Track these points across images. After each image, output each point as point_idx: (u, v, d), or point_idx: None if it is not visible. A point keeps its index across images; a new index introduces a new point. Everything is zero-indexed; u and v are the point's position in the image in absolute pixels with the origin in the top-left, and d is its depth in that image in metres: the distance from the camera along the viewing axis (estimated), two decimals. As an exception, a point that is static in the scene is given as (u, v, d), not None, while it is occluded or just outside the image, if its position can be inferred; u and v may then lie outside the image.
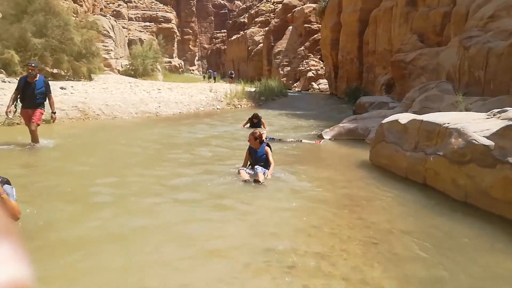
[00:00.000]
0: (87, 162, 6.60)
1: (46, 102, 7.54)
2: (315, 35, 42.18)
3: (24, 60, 16.91)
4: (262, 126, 10.95)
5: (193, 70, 70.92)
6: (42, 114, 7.47)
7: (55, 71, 19.91)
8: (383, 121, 6.94)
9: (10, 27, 17.72)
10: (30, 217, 3.90)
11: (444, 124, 5.33)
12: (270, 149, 6.09)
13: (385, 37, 19.04)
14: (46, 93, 7.42)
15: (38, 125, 7.26)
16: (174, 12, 60.37)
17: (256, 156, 5.97)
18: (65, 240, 3.55)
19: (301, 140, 9.15)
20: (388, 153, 6.39)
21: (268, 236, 3.80)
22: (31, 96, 7.25)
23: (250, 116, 11.36)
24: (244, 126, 11.14)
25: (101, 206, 4.46)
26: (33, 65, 7.45)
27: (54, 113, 7.79)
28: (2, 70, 16.21)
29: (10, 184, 3.57)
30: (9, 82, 14.75)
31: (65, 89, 14.77)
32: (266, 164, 5.90)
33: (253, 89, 24.76)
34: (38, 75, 7.41)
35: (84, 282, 2.89)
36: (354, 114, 13.14)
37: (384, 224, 4.19)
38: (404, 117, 6.46)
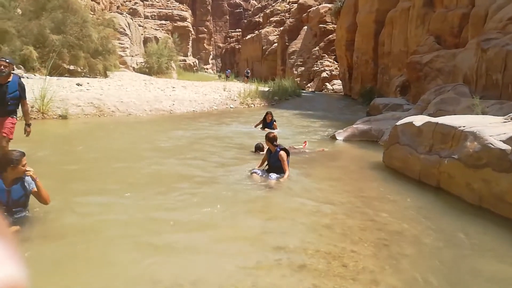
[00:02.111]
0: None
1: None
2: (330, 36, 41.97)
3: (42, 56, 17.23)
4: (273, 127, 10.62)
5: (207, 69, 71.23)
6: (14, 124, 5.73)
7: (71, 67, 20.20)
8: (397, 123, 6.89)
9: (29, 24, 18.04)
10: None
11: (459, 127, 5.27)
12: (288, 153, 5.88)
13: (401, 39, 18.85)
14: (21, 98, 5.78)
15: (10, 139, 5.62)
16: (190, 11, 60.72)
17: (271, 161, 5.81)
18: (72, 226, 3.62)
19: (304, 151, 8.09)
20: (402, 155, 6.34)
21: (279, 235, 3.81)
22: (1, 101, 5.52)
23: (264, 116, 10.99)
24: (256, 126, 11.01)
25: (115, 202, 4.54)
26: (7, 60, 5.60)
27: (29, 125, 5.94)
28: (21, 66, 16.52)
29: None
30: (27, 77, 15.03)
31: (81, 85, 14.99)
32: (280, 171, 5.72)
33: (266, 89, 24.77)
34: (11, 75, 5.66)
35: (95, 274, 2.95)
36: (368, 115, 13.04)
37: (395, 226, 4.17)
38: (418, 119, 6.40)
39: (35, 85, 11.37)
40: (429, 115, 7.75)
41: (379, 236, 3.86)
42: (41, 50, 17.84)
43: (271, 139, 5.85)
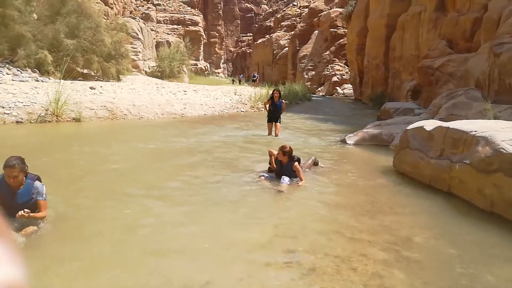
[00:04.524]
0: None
1: None
2: (341, 40, 41.93)
3: (57, 60, 17.53)
4: (282, 107, 10.53)
5: (218, 73, 71.60)
6: None
7: (85, 71, 20.51)
8: (408, 127, 6.87)
9: (44, 28, 18.40)
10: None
11: (471, 132, 5.24)
12: (299, 162, 5.83)
13: (412, 43, 18.76)
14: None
15: None
16: (201, 15, 61.18)
17: (282, 169, 5.75)
18: (85, 227, 3.69)
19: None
20: (412, 159, 6.32)
21: (289, 238, 3.83)
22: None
23: (271, 95, 10.79)
24: (265, 105, 10.80)
25: (127, 205, 4.61)
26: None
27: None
28: (36, 70, 16.82)
29: (41, 182, 3.73)
30: (42, 81, 15.31)
31: (94, 89, 15.22)
32: (292, 176, 5.69)
33: (277, 93, 24.75)
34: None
35: (106, 274, 3.00)
36: (379, 120, 12.99)
37: (405, 231, 4.16)
38: (429, 124, 6.37)
39: (50, 88, 11.58)
40: (441, 119, 7.70)
41: (389, 240, 3.86)
42: (56, 54, 18.16)
43: (286, 153, 5.67)
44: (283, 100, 10.67)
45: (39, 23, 18.84)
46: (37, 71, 16.84)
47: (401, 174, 6.58)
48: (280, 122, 10.46)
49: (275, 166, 5.96)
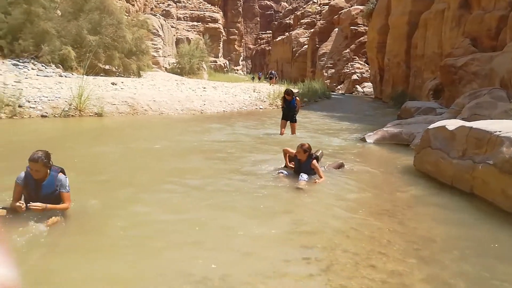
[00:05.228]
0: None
1: None
2: (361, 38, 41.49)
3: (80, 56, 17.87)
4: (297, 105, 10.29)
5: (237, 70, 71.70)
6: None
7: (107, 67, 20.85)
8: (429, 127, 6.77)
9: (68, 25, 18.76)
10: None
11: (495, 132, 5.14)
12: (318, 160, 5.80)
13: (435, 41, 18.42)
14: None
15: None
16: (221, 13, 61.37)
17: (300, 167, 5.75)
18: (108, 220, 3.78)
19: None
20: (433, 159, 6.23)
21: (308, 235, 3.84)
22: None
23: (283, 96, 10.52)
24: (282, 108, 10.43)
25: (149, 199, 4.69)
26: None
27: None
28: (60, 65, 17.19)
29: (64, 174, 3.83)
30: (65, 76, 15.65)
31: (116, 84, 15.47)
32: (311, 173, 5.68)
33: (296, 91, 24.72)
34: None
35: (128, 266, 3.07)
36: (399, 119, 12.82)
37: (426, 231, 4.11)
38: (452, 124, 6.26)
39: (73, 83, 11.84)
40: (463, 119, 7.56)
41: (409, 240, 3.82)
42: (79, 50, 18.51)
43: (306, 150, 5.67)
44: (296, 98, 10.43)
45: (63, 20, 19.23)
46: (61, 67, 17.20)
47: (422, 174, 6.49)
48: (295, 121, 10.24)
49: (289, 164, 5.97)
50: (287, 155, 6.11)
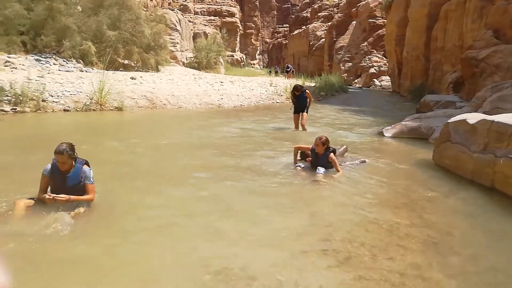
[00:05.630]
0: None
1: None
2: (379, 31, 40.95)
3: (100, 51, 18.16)
4: (308, 98, 10.15)
5: (254, 64, 71.60)
6: None
7: (126, 62, 21.13)
8: (449, 120, 6.69)
9: (88, 20, 19.06)
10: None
11: (517, 125, 5.06)
12: (335, 153, 5.82)
13: (455, 33, 18.05)
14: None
15: None
16: (238, 7, 61.24)
17: (318, 161, 5.77)
18: (133, 212, 3.89)
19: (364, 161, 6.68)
20: (453, 153, 6.16)
21: (326, 227, 3.87)
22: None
23: (291, 92, 10.40)
24: (293, 102, 10.38)
25: (173, 192, 4.80)
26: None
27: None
28: (80, 60, 17.51)
29: (89, 166, 3.95)
30: (86, 71, 15.95)
31: (135, 79, 15.68)
32: (328, 166, 5.71)
33: (313, 84, 24.60)
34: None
35: (147, 254, 3.17)
36: (418, 113, 12.66)
37: (445, 225, 4.10)
38: (472, 117, 6.18)
39: (94, 78, 12.07)
40: (484, 113, 7.43)
41: (427, 233, 3.82)
42: (98, 45, 18.80)
43: (324, 143, 5.69)
44: (306, 91, 10.28)
45: (83, 15, 19.54)
46: (81, 62, 17.53)
47: (441, 168, 6.44)
48: (307, 112, 10.10)
49: (297, 161, 6.01)
50: (300, 151, 6.15)
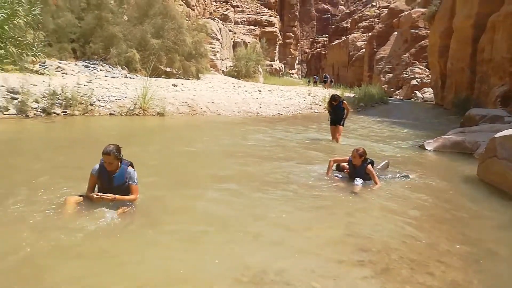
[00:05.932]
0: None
1: None
2: (422, 41, 39.99)
3: (143, 58, 18.83)
4: (345, 110, 9.98)
5: (292, 74, 71.64)
6: None
7: (168, 69, 21.77)
8: (495, 135, 6.44)
9: (134, 29, 19.82)
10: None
11: None
12: (372, 165, 5.75)
13: (504, 45, 17.35)
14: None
15: None
16: (278, 17, 61.64)
17: (355, 172, 5.72)
18: (175, 212, 4.01)
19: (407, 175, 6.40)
20: (500, 169, 5.92)
21: (363, 238, 3.83)
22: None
23: (328, 101, 10.38)
24: (329, 113, 10.26)
25: (210, 195, 4.91)
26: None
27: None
28: (125, 67, 18.23)
29: (133, 168, 4.13)
30: (130, 78, 16.58)
31: (176, 86, 16.13)
32: (366, 178, 5.65)
33: (352, 95, 24.33)
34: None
35: (190, 255, 3.26)
36: (462, 127, 12.23)
37: (489, 243, 3.96)
38: (521, 132, 5.93)
39: (137, 84, 12.54)
40: (534, 128, 7.10)
41: (470, 251, 3.70)
42: (142, 53, 19.49)
43: (362, 155, 5.64)
44: (344, 101, 10.15)
45: (129, 24, 20.33)
46: (126, 68, 18.22)
47: (486, 184, 6.20)
48: (343, 125, 9.93)
49: (329, 173, 5.96)
50: (335, 164, 6.12)
